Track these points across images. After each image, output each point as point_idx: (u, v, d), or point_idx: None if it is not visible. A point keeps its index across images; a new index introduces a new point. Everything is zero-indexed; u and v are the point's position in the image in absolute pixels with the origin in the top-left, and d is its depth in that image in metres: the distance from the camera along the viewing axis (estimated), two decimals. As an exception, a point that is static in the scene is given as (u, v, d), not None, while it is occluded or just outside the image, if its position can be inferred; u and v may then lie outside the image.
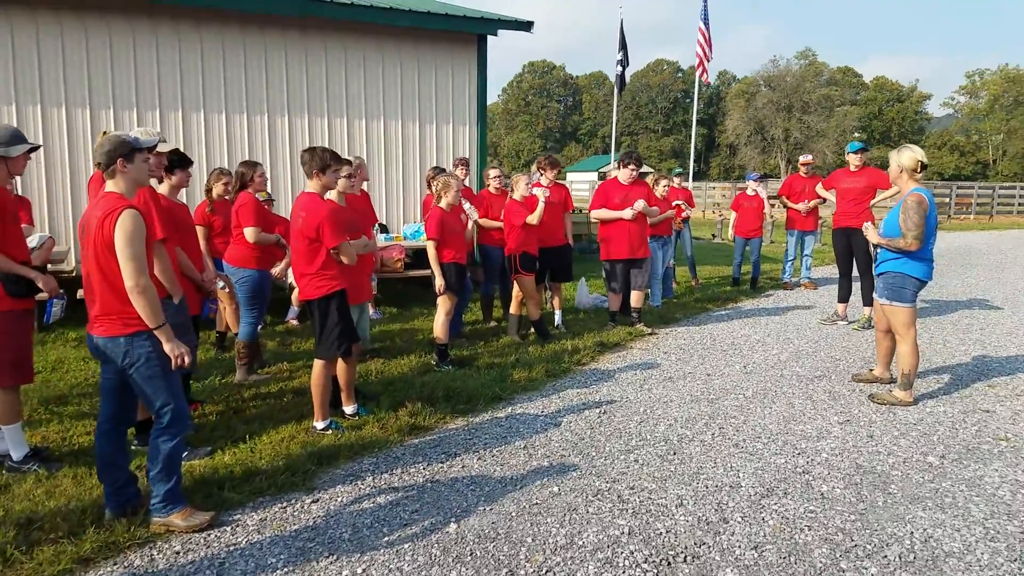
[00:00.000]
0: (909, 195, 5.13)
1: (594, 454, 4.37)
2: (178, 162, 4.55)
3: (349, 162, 4.96)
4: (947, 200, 26.93)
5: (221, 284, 5.63)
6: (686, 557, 3.22)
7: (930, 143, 70.46)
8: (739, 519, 3.56)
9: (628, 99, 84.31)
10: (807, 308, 9.00)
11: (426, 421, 4.87)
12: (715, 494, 3.84)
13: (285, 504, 3.70)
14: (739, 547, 3.30)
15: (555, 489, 3.87)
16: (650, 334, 7.42)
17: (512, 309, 7.25)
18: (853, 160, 7.96)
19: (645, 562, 3.17)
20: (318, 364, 4.53)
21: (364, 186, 6.29)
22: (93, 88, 8.11)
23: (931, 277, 5.29)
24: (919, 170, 5.21)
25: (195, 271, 4.66)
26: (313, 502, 3.73)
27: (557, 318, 7.68)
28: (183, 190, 4.77)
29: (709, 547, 3.30)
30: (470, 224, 6.45)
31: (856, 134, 69.19)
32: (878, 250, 5.37)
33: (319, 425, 4.56)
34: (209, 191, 5.82)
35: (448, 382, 5.62)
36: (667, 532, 3.43)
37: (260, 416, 4.92)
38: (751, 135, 68.55)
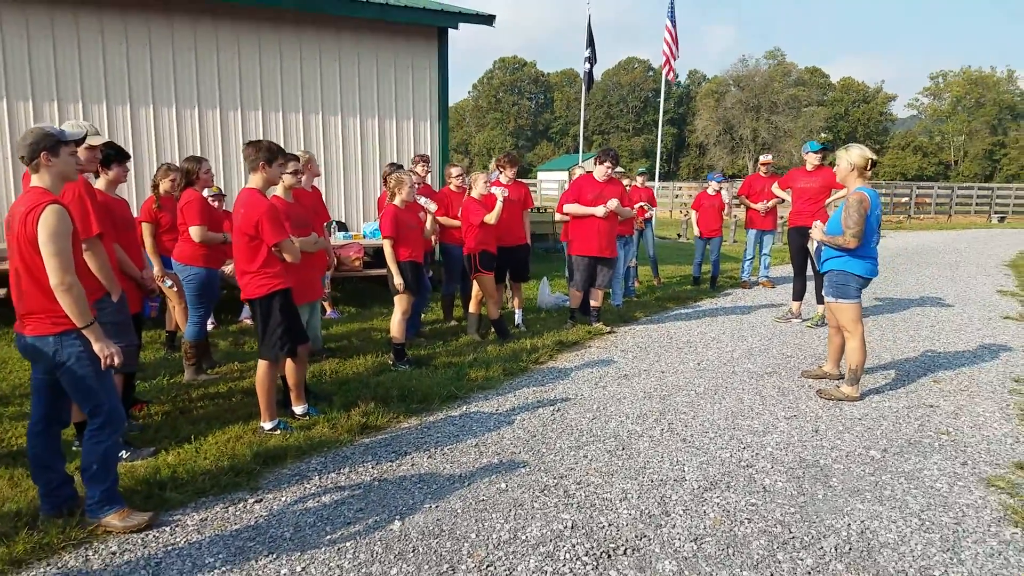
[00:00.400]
0: (852, 194, 5.23)
1: (544, 451, 4.39)
2: (114, 156, 4.46)
3: (296, 157, 4.91)
4: (907, 200, 27.48)
5: (169, 283, 5.57)
6: (626, 550, 3.25)
7: (894, 144, 71.96)
8: (681, 512, 3.61)
9: (599, 98, 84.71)
10: (764, 307, 9.13)
11: (378, 421, 4.84)
12: (659, 488, 3.88)
13: (227, 504, 3.66)
14: (679, 539, 3.34)
15: (503, 485, 3.89)
16: (609, 332, 7.46)
17: (471, 308, 7.25)
18: (811, 159, 8.10)
19: (586, 555, 3.19)
20: (262, 364, 4.47)
21: (316, 182, 6.25)
22: (35, 81, 7.95)
23: (875, 274, 5.41)
24: (868, 168, 5.31)
25: (135, 268, 4.57)
26: (256, 502, 3.70)
27: (517, 317, 7.70)
28: (125, 184, 4.69)
29: (650, 540, 3.34)
30: (428, 221, 6.42)
31: (823, 134, 70.34)
32: (821, 249, 5.47)
33: (267, 426, 4.51)
34: (156, 187, 5.73)
35: (404, 381, 5.61)
36: (609, 525, 3.46)
37: (207, 416, 4.85)
38: (720, 135, 69.34)
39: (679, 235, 19.60)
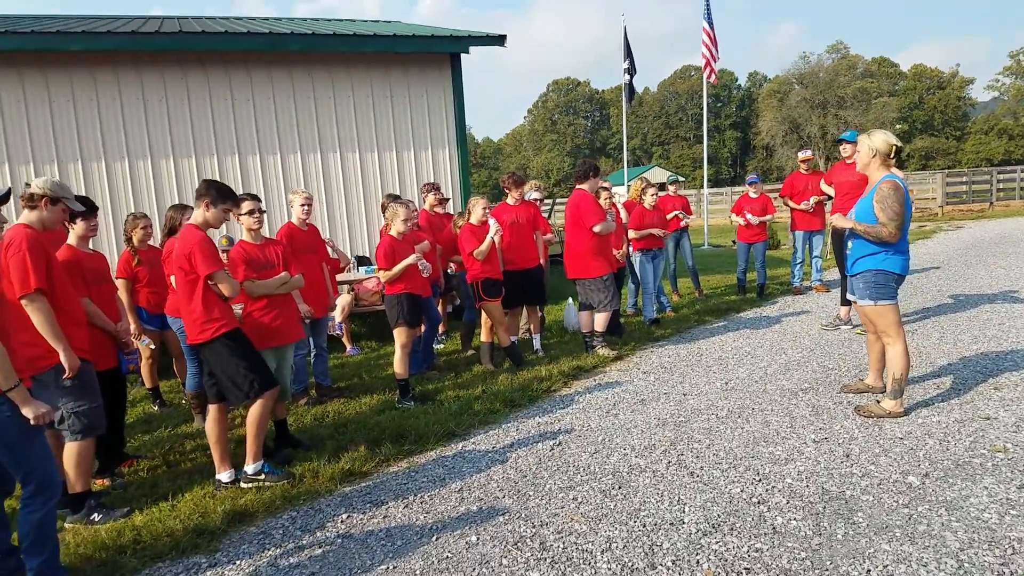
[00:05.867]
0: (883, 181, 4.65)
1: (531, 493, 3.98)
2: (80, 210, 4.35)
3: (250, 198, 4.71)
4: (988, 187, 25.61)
5: (146, 341, 5.46)
6: (595, 615, 2.81)
7: (976, 129, 68.02)
8: (669, 564, 3.14)
9: (657, 108, 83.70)
10: (812, 313, 8.43)
11: (365, 467, 4.54)
12: (651, 534, 3.41)
13: (181, 571, 3.41)
14: (660, 600, 2.88)
15: (473, 539, 3.50)
16: (616, 358, 6.91)
17: (483, 337, 6.90)
18: (845, 150, 7.45)
19: (545, 624, 2.77)
20: (212, 409, 4.27)
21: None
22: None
23: (908, 271, 4.78)
24: (892, 155, 4.74)
25: (108, 322, 4.45)
26: (210, 567, 3.43)
27: (536, 343, 7.30)
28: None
29: (626, 601, 2.89)
30: (486, 243, 6.22)
31: (897, 126, 67.26)
32: (849, 247, 4.89)
33: (223, 477, 4.26)
34: (129, 239, 5.63)
35: (402, 420, 5.30)
36: (582, 585, 3.03)
37: (196, 469, 4.67)
38: (786, 134, 67.11)
39: (734, 242, 18.77)
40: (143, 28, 8.85)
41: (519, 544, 3.41)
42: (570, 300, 8.72)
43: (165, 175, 8.57)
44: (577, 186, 6.95)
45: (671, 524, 3.51)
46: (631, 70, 19.63)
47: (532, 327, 7.36)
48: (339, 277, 8.31)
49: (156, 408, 6.16)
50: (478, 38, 9.56)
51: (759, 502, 3.67)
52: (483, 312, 6.74)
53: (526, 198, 7.99)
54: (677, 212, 9.85)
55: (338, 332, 7.71)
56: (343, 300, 7.79)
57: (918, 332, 6.96)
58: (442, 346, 8.06)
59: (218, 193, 4.12)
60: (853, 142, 7.36)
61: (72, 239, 4.38)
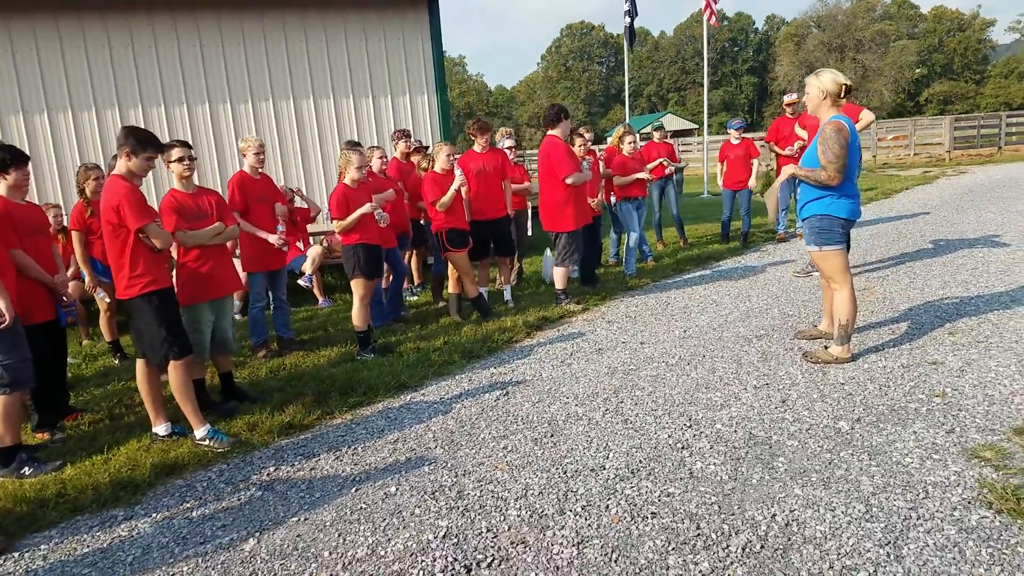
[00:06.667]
0: (827, 123, 4.50)
1: (464, 443, 3.99)
2: (11, 160, 4.31)
3: (180, 145, 4.60)
4: (997, 131, 24.90)
5: (101, 294, 5.45)
6: (492, 562, 2.82)
7: (996, 72, 66.12)
8: (579, 509, 3.14)
9: (673, 53, 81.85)
10: (792, 261, 8.31)
11: (306, 419, 4.55)
12: (570, 480, 3.41)
13: (97, 524, 3.44)
14: (560, 544, 2.89)
15: (392, 489, 3.51)
16: (583, 310, 6.84)
17: (450, 288, 6.85)
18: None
19: (441, 572, 2.79)
20: (140, 365, 4.25)
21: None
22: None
23: (859, 215, 4.66)
24: (843, 94, 4.57)
25: (44, 274, 4.44)
26: (125, 519, 3.46)
27: (506, 294, 7.25)
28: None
29: (527, 546, 2.90)
30: (448, 195, 6.15)
31: (917, 69, 65.41)
32: (797, 191, 4.76)
33: (160, 431, 4.28)
34: (82, 191, 5.59)
35: (354, 373, 5.31)
36: (487, 531, 3.03)
37: (138, 424, 4.68)
38: (803, 79, 65.57)
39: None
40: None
41: (436, 493, 3.42)
42: (548, 251, 8.64)
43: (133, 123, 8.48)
44: (548, 132, 6.75)
45: (592, 470, 3.50)
46: (632, 11, 18.99)
47: (503, 278, 7.30)
48: (311, 228, 8.29)
49: (117, 362, 6.20)
50: (454, -19, 9.31)
51: (683, 447, 3.65)
52: (449, 263, 6.68)
53: (498, 146, 7.86)
54: (662, 160, 9.65)
55: (307, 284, 7.68)
56: (314, 251, 7.74)
57: (889, 278, 6.85)
58: (415, 298, 8.04)
59: (138, 141, 4.01)
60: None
61: (2, 190, 4.33)
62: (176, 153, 4.56)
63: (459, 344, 5.84)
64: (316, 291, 7.98)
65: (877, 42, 61.98)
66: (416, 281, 8.27)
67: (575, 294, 7.14)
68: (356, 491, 3.54)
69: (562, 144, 6.56)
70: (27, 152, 4.67)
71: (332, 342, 6.37)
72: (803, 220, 4.76)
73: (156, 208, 4.49)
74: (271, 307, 6.28)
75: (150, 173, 4.35)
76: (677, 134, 51.41)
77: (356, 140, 7.55)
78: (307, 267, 7.70)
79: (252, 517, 3.37)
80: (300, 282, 7.76)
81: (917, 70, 66.10)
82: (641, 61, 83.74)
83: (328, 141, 9.25)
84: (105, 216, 4.01)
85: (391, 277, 6.78)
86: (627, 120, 19.20)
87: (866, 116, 6.52)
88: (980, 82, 66.78)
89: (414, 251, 7.98)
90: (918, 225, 9.92)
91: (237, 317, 7.49)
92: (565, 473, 3.50)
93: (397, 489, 3.50)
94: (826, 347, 4.79)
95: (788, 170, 4.73)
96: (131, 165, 4.04)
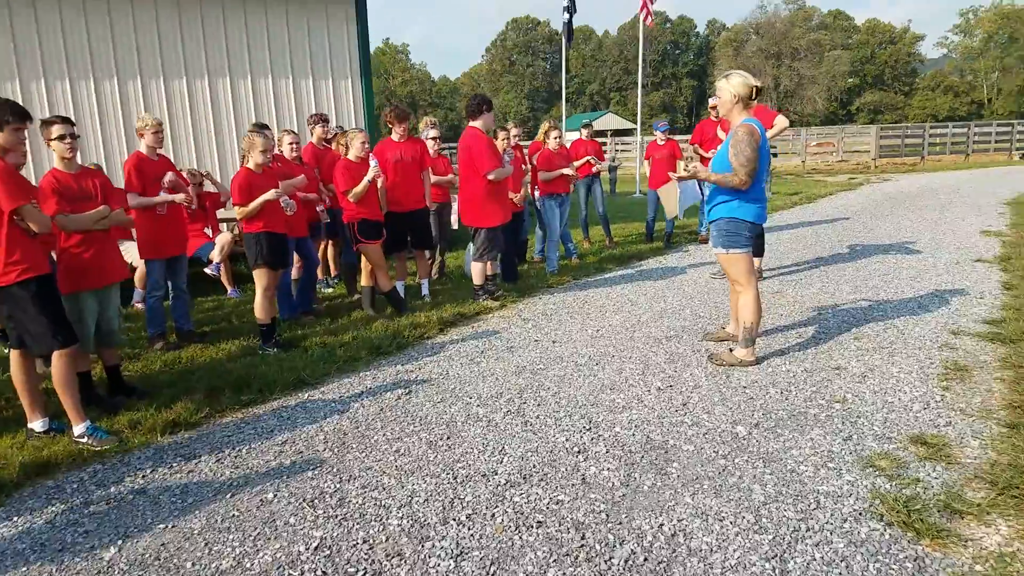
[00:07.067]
0: (739, 126, 4.47)
1: (355, 446, 3.79)
2: None
3: (60, 121, 4.24)
4: (920, 141, 25.95)
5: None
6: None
7: (924, 85, 68.87)
8: (464, 518, 2.99)
9: (616, 53, 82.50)
10: (711, 263, 8.36)
11: (194, 417, 4.28)
12: (458, 487, 3.26)
13: (-53, 528, 3.14)
14: (438, 556, 2.73)
15: (269, 496, 3.30)
16: (500, 307, 6.70)
17: (363, 280, 6.61)
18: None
19: (306, 585, 2.60)
20: (14, 355, 3.95)
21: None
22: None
23: (765, 220, 4.66)
24: (753, 97, 4.55)
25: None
26: (-18, 523, 3.17)
27: (424, 288, 7.07)
28: None
29: (403, 559, 2.73)
30: (362, 185, 5.91)
31: (850, 79, 67.70)
32: (705, 194, 4.73)
33: (36, 426, 3.97)
34: None
35: (251, 368, 5.04)
36: (363, 543, 2.86)
37: (15, 419, 4.32)
38: (714, 83, 67.07)
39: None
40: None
41: (316, 501, 3.22)
42: (470, 245, 8.48)
43: (57, 97, 7.94)
44: (469, 123, 6.57)
45: (483, 476, 3.36)
46: (571, 8, 18.98)
47: (421, 272, 7.11)
48: (221, 214, 7.93)
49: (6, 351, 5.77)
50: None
51: (580, 452, 3.55)
52: (362, 255, 6.45)
53: (421, 136, 7.66)
54: (589, 158, 9.61)
55: (215, 273, 7.34)
56: (223, 239, 7.40)
57: (802, 281, 6.94)
58: (331, 290, 7.77)
59: None
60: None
61: None
62: (56, 130, 4.21)
63: (367, 339, 5.62)
64: (224, 280, 7.63)
65: (812, 51, 63.97)
66: (332, 272, 8.00)
67: (497, 290, 6.99)
68: (231, 497, 3.31)
69: (484, 137, 6.39)
70: None
71: (235, 334, 6.07)
72: (710, 222, 4.74)
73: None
74: (169, 297, 5.95)
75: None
76: (617, 133, 51.94)
77: (264, 123, 7.21)
78: (215, 255, 7.36)
79: (118, 523, 3.11)
80: (207, 270, 7.42)
81: (850, 80, 68.45)
82: (584, 59, 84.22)
83: (244, 123, 8.82)
84: None
85: (300, 268, 6.50)
86: (564, 117, 19.24)
87: (780, 122, 6.56)
88: (909, 94, 69.52)
89: (329, 241, 7.70)
90: (836, 230, 10.15)
91: (139, 306, 7.10)
92: (455, 479, 3.35)
93: (275, 495, 3.29)
94: (731, 350, 4.77)
95: (701, 172, 4.68)
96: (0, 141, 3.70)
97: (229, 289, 7.67)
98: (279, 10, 8.80)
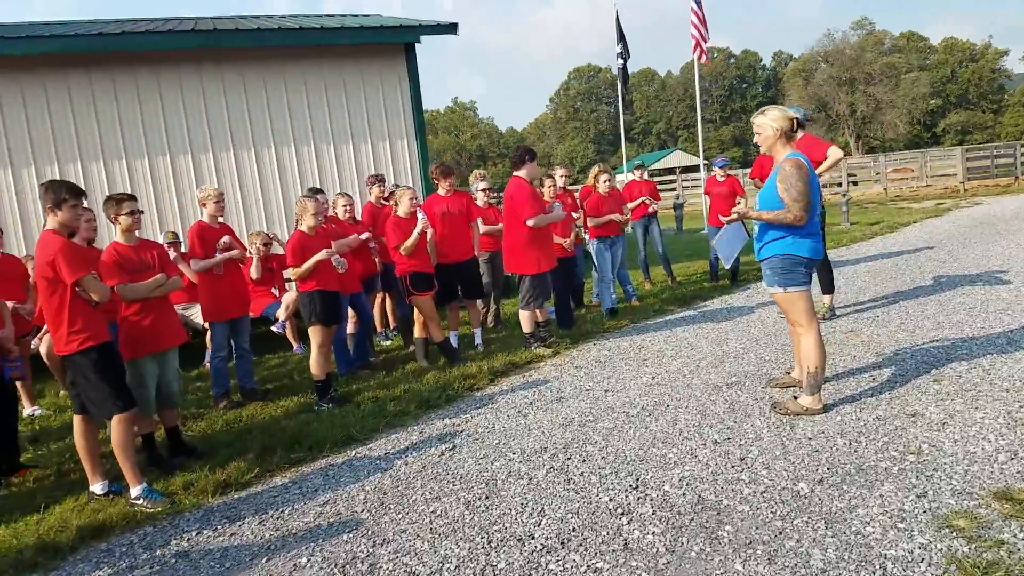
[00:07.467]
0: (785, 160, 4.27)
1: (393, 506, 3.71)
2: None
3: (128, 199, 4.50)
4: (1012, 160, 24.44)
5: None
6: (385, 650, 2.53)
7: (1015, 101, 65.45)
8: (494, 589, 2.84)
9: (680, 92, 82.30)
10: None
11: (245, 477, 4.31)
12: (492, 552, 3.11)
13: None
14: (464, 631, 2.59)
15: (303, 560, 3.24)
16: (553, 354, 6.56)
17: (416, 332, 6.61)
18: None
19: (326, 661, 2.50)
20: (78, 421, 4.09)
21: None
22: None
23: (822, 254, 4.39)
24: (794, 129, 4.35)
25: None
26: (32, 588, 3.24)
27: (477, 338, 7.01)
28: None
29: (428, 633, 2.60)
30: (412, 239, 6.05)
31: (931, 100, 65.06)
32: (755, 231, 4.50)
33: (96, 489, 4.07)
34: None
35: (303, 426, 5.07)
36: (389, 613, 2.74)
37: (80, 481, 4.44)
38: (814, 113, 65.38)
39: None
40: (82, 31, 8.74)
41: (347, 566, 3.14)
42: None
43: (117, 175, 8.44)
44: (514, 173, 6.57)
45: (519, 540, 3.20)
46: (624, 54, 19.08)
47: (472, 321, 7.07)
48: (286, 273, 8.12)
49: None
50: (429, 27, 9.28)
51: (624, 513, 3.35)
52: (415, 307, 6.47)
53: (472, 189, 7.73)
54: (644, 199, 9.47)
55: (280, 331, 7.50)
56: (288, 297, 7.57)
57: (878, 319, 6.51)
58: (389, 343, 7.82)
59: (55, 194, 3.90)
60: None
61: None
62: (127, 206, 4.47)
63: (417, 392, 5.58)
64: (290, 337, 7.79)
65: (887, 75, 61.84)
66: (391, 325, 8.05)
67: (550, 337, 6.85)
68: (267, 561, 3.27)
69: (526, 186, 6.37)
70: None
71: (295, 391, 6.16)
72: (762, 260, 4.49)
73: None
74: (233, 358, 6.10)
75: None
76: (686, 170, 51.37)
77: (319, 188, 7.43)
78: (281, 313, 7.53)
79: (152, 591, 3.12)
80: (274, 328, 7.59)
81: (932, 101, 65.78)
82: (649, 100, 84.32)
83: (309, 185, 9.14)
84: (40, 272, 3.90)
85: (355, 324, 6.56)
86: (624, 159, 19.16)
87: (834, 153, 6.25)
88: (998, 111, 66.19)
89: (386, 294, 7.78)
90: (919, 260, 9.55)
91: (208, 366, 7.28)
92: (490, 543, 3.21)
93: (308, 560, 3.23)
94: (796, 397, 4.47)
95: (752, 213, 4.47)
96: (60, 218, 3.93)
97: (295, 346, 7.82)
98: (336, 79, 9.12)
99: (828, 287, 6.84)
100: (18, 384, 6.13)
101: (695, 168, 55.30)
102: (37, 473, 4.76)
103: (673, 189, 29.73)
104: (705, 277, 10.03)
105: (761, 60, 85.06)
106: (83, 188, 4.13)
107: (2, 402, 4.71)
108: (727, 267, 5.90)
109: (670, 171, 57.74)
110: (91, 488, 4.18)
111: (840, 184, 25.61)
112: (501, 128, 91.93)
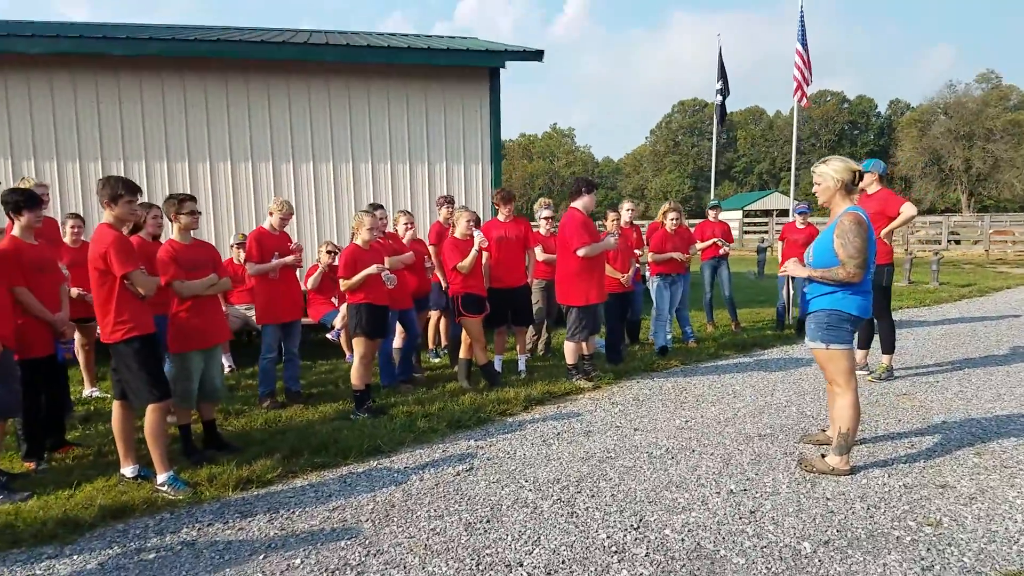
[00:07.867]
0: (843, 215, 4.14)
1: (397, 519, 3.79)
2: (24, 203, 4.61)
3: (189, 199, 4.79)
4: None
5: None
6: (348, 655, 2.60)
7: None
8: (469, 610, 2.87)
9: (787, 132, 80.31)
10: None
11: (268, 476, 4.49)
12: (478, 574, 3.14)
13: (24, 559, 3.46)
14: (428, 648, 2.63)
15: (297, 562, 3.35)
16: (593, 388, 6.53)
17: (461, 353, 6.72)
18: (866, 180, 6.70)
19: (291, 657, 2.59)
20: (116, 406, 4.36)
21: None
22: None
23: (869, 313, 4.22)
24: (856, 182, 4.21)
25: (45, 312, 4.67)
26: (50, 557, 3.47)
27: (520, 364, 7.05)
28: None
29: (394, 644, 2.66)
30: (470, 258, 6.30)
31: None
32: (806, 287, 4.36)
33: (160, 479, 4.30)
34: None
35: (335, 432, 5.23)
36: (362, 621, 2.82)
37: (116, 463, 4.74)
38: (926, 166, 62.39)
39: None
40: (182, 35, 9.37)
41: (336, 571, 3.23)
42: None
43: (201, 177, 9.00)
44: (570, 204, 6.63)
45: (507, 565, 3.22)
46: (724, 91, 18.88)
47: (519, 347, 7.13)
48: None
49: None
50: (515, 53, 9.47)
51: (616, 551, 3.32)
52: (463, 328, 6.59)
53: (537, 217, 7.82)
54: (716, 240, 9.32)
55: (335, 339, 7.78)
56: (346, 307, 7.85)
57: (937, 384, 6.17)
58: (439, 360, 7.97)
59: (112, 189, 4.19)
60: (870, 171, 6.62)
61: (16, 230, 4.63)
62: (188, 206, 4.77)
63: (450, 412, 5.67)
64: (344, 345, 8.05)
65: (1010, 132, 58.41)
66: (443, 343, 8.20)
67: (593, 370, 6.82)
68: (263, 558, 3.40)
69: (580, 216, 6.39)
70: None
71: (336, 397, 6.36)
72: (809, 314, 4.35)
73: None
74: (282, 360, 6.37)
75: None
76: (782, 213, 49.91)
77: (380, 203, 7.69)
78: (337, 322, 7.80)
79: (157, 573, 3.29)
80: (329, 336, 7.88)
81: (1058, 164, 61.64)
82: (754, 139, 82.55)
83: (383, 202, 9.45)
84: (93, 263, 4.18)
85: (403, 338, 6.73)
86: (712, 194, 18.84)
87: (907, 210, 6.00)
88: None
89: (441, 313, 7.94)
90: (999, 328, 8.99)
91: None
92: (478, 566, 3.24)
93: (302, 562, 3.34)
94: (824, 456, 4.29)
95: (801, 272, 4.35)
96: (115, 213, 4.22)
97: (347, 354, 8.07)
98: (419, 98, 9.44)
99: (888, 347, 6.54)
100: (81, 366, 6.61)
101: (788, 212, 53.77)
102: (78, 451, 5.04)
103: (766, 231, 28.93)
104: (771, 324, 9.74)
105: (876, 107, 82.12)
106: (139, 185, 4.42)
107: (55, 382, 5.03)
108: (800, 315, 5.72)
109: (767, 213, 56.21)
110: (122, 471, 4.42)
111: (939, 242, 24.34)
112: (597, 157, 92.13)
